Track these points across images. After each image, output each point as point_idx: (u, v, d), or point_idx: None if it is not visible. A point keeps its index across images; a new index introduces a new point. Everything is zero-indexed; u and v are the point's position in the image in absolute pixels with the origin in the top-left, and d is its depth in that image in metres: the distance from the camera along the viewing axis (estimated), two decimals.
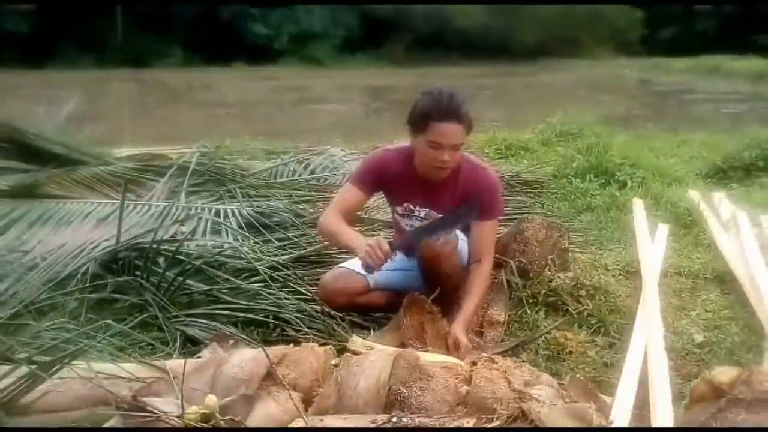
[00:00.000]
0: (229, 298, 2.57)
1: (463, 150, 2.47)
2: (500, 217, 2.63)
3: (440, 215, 2.49)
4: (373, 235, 3.17)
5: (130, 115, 11.41)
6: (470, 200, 2.44)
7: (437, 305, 2.38)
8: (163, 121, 9.78)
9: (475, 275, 2.45)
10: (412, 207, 2.54)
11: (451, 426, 1.64)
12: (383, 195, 2.75)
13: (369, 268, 2.31)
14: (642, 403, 1.90)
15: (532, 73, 17.09)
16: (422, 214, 2.53)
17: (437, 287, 2.41)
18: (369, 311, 2.56)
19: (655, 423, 1.79)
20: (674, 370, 2.20)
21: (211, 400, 1.71)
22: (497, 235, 2.69)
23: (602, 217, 3.90)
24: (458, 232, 2.45)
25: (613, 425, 1.76)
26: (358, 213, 3.44)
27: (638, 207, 3.66)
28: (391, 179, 2.52)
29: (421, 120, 2.32)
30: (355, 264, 2.57)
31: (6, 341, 2.13)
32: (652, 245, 3.14)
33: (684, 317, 2.68)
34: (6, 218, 3.33)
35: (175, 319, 2.45)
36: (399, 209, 2.58)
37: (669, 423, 1.76)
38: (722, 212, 3.62)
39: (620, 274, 3.04)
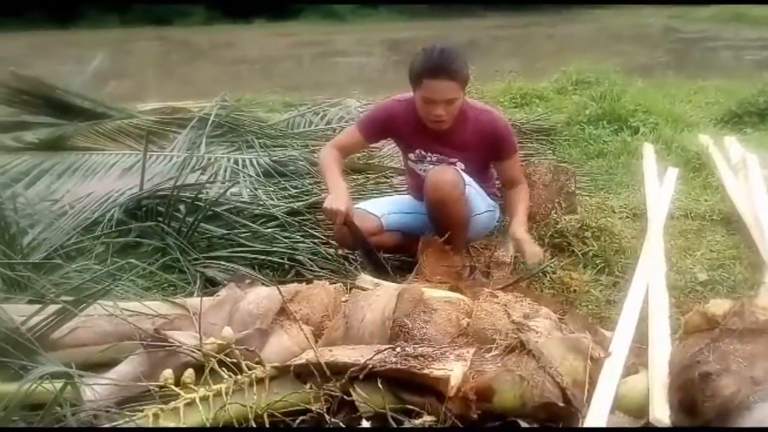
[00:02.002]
0: (246, 242, 2.69)
1: (474, 98, 2.53)
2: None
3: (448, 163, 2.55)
4: (385, 183, 3.27)
5: (154, 72, 11.45)
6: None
7: None
8: (186, 78, 9.83)
9: (514, 194, 2.62)
10: (423, 153, 2.61)
11: (452, 355, 1.73)
12: (395, 143, 2.82)
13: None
14: (642, 338, 1.96)
15: (554, 23, 16.64)
16: (434, 159, 2.58)
17: (445, 232, 2.48)
18: (381, 251, 2.65)
19: (652, 355, 1.86)
20: (676, 307, 2.25)
21: (227, 332, 1.83)
22: None
23: (613, 162, 3.90)
24: (467, 178, 2.51)
25: (610, 357, 1.85)
26: (371, 161, 3.55)
27: (648, 152, 3.68)
28: (398, 128, 2.59)
29: (415, 77, 2.39)
30: (368, 205, 2.67)
31: (39, 281, 2.28)
32: (660, 188, 3.16)
33: (688, 257, 2.73)
34: (37, 169, 3.49)
35: (195, 262, 2.58)
36: (412, 156, 2.65)
37: (665, 355, 1.83)
38: (732, 155, 3.62)
39: (627, 217, 3.09)
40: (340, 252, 2.64)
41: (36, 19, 18.28)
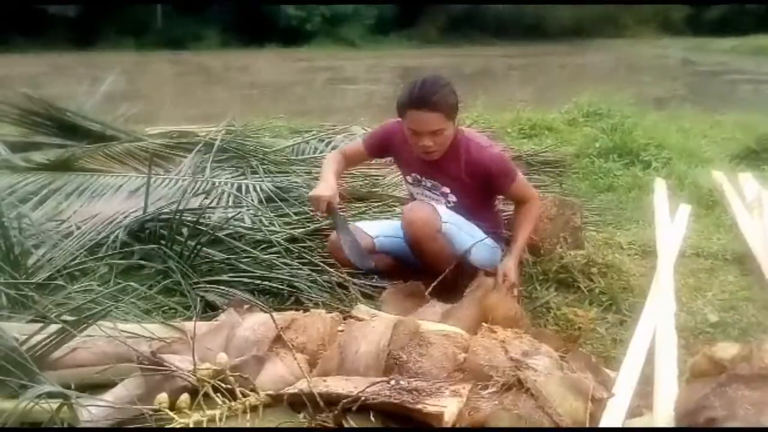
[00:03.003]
0: (247, 267, 2.67)
1: (480, 128, 2.50)
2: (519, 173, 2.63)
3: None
4: (387, 212, 3.24)
5: (168, 95, 11.61)
6: None
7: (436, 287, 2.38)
8: (199, 101, 9.93)
9: (521, 213, 2.56)
10: (419, 177, 2.61)
11: (447, 390, 1.69)
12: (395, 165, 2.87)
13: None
14: (647, 379, 1.92)
15: (567, 53, 16.64)
16: (429, 185, 2.58)
17: (427, 265, 2.47)
18: (371, 272, 2.65)
19: (657, 398, 1.81)
20: (684, 349, 2.20)
21: (222, 358, 1.83)
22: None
23: (623, 197, 3.86)
24: (447, 215, 2.47)
25: (614, 398, 1.80)
26: (375, 189, 3.57)
27: (660, 187, 3.63)
28: (397, 149, 2.63)
29: (400, 109, 2.41)
30: (364, 225, 2.68)
31: (41, 301, 2.27)
32: (671, 225, 3.11)
33: (699, 297, 2.67)
34: (45, 189, 3.51)
35: (196, 286, 2.56)
36: (409, 178, 2.68)
37: (671, 399, 1.77)
38: (747, 193, 3.55)
39: (636, 254, 3.03)
40: (337, 280, 2.60)
41: (57, 41, 18.80)
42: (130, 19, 20.89)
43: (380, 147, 2.70)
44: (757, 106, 7.46)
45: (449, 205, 2.55)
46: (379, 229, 2.67)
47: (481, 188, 2.53)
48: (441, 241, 2.44)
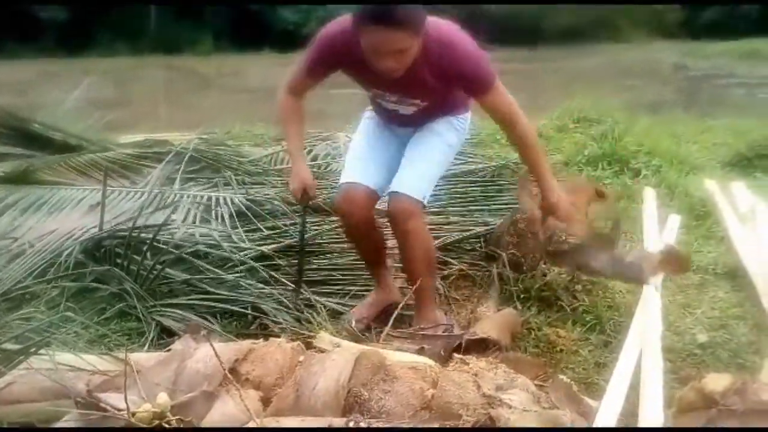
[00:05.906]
0: (210, 289, 2.51)
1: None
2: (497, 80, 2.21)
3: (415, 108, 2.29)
4: None
5: (158, 101, 11.45)
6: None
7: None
8: (190, 107, 9.79)
9: (524, 150, 2.35)
10: (382, 92, 2.27)
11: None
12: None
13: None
14: (632, 408, 1.78)
15: (562, 57, 16.46)
16: (394, 99, 2.26)
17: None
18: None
19: None
20: (672, 373, 2.08)
21: (162, 398, 1.66)
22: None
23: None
24: (379, 187, 2.37)
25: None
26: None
27: (649, 197, 3.48)
28: (348, 63, 2.17)
29: (358, 23, 1.98)
30: (357, 173, 2.40)
31: None
32: (660, 237, 2.97)
33: (688, 315, 2.54)
34: (1, 204, 3.33)
35: (152, 309, 2.40)
36: (368, 92, 2.36)
37: None
38: (740, 203, 3.41)
39: None
40: (305, 300, 2.45)
41: (49, 47, 18.64)
42: (124, 24, 20.71)
43: (332, 64, 2.23)
44: (749, 110, 7.32)
45: (417, 108, 2.28)
46: (374, 173, 2.40)
47: (453, 87, 2.23)
48: (422, 235, 2.33)
